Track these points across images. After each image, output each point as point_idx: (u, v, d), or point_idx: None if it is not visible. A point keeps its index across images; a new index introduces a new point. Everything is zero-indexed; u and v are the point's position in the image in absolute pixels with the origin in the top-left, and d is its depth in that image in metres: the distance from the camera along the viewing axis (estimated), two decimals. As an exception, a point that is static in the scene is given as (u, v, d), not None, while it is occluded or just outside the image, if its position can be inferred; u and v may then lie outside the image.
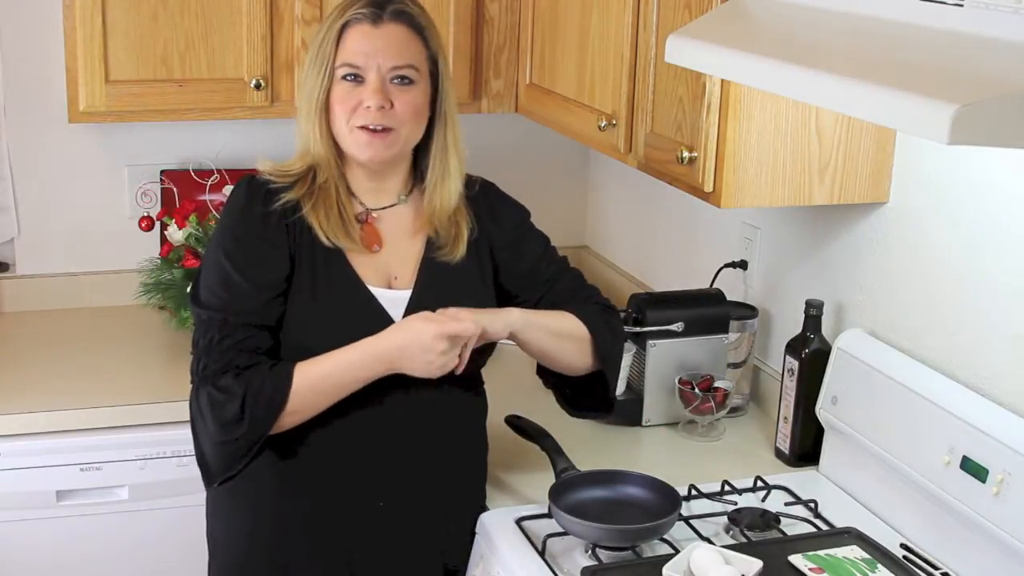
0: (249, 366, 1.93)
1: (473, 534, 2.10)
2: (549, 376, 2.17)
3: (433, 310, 1.97)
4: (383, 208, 2.06)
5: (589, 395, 2.16)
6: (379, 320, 1.98)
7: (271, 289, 1.95)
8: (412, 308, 2.00)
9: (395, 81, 1.96)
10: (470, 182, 2.13)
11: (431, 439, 2.03)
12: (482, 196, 2.14)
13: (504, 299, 2.11)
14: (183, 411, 2.02)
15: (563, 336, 2.08)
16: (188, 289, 2.04)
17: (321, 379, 1.92)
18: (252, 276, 1.95)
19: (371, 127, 1.95)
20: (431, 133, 2.04)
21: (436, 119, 2.04)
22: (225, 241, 1.98)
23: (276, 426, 1.93)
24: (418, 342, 1.90)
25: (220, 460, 1.95)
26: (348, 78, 1.96)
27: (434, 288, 2.03)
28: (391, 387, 1.96)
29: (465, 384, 2.05)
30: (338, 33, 1.97)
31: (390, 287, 2.02)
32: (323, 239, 1.97)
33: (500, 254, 2.13)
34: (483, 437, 2.16)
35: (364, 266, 2.01)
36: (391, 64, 1.96)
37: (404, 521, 2.03)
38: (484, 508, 2.14)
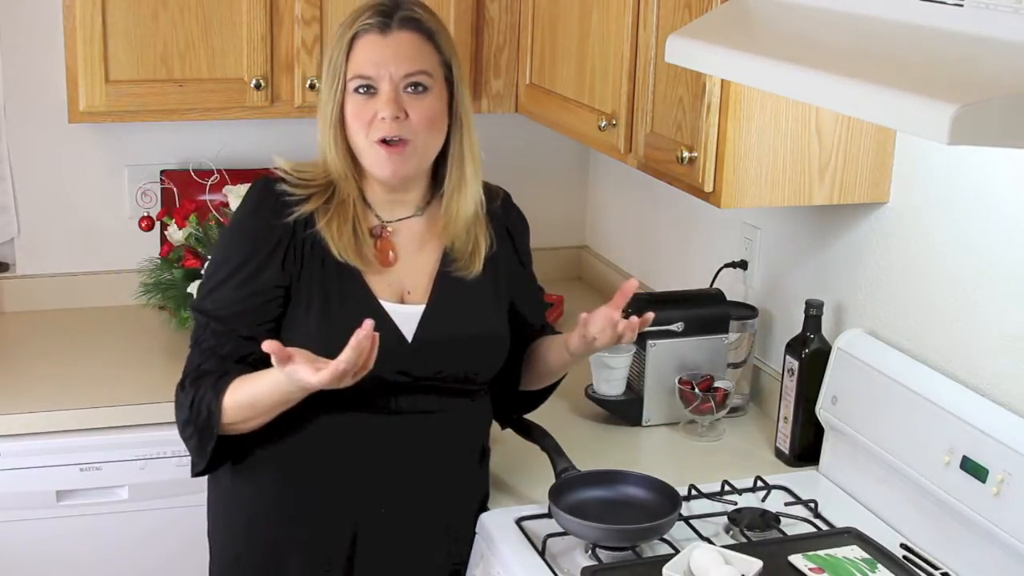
0: (213, 372, 1.94)
1: (474, 536, 2.10)
2: (502, 388, 2.18)
3: (447, 325, 1.97)
4: (399, 220, 2.03)
5: (522, 407, 2.24)
6: (391, 336, 1.94)
7: (256, 300, 1.94)
8: (425, 323, 1.98)
9: (408, 90, 1.93)
10: (492, 193, 2.10)
11: (434, 446, 2.02)
12: (503, 210, 2.12)
13: (512, 317, 2.12)
14: (183, 411, 2.03)
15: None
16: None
17: (249, 397, 1.91)
18: (238, 287, 1.94)
19: (387, 139, 1.92)
20: (448, 139, 2.01)
21: (452, 124, 2.01)
22: (226, 246, 1.99)
23: (227, 432, 1.94)
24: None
25: (192, 454, 2.00)
26: (360, 90, 1.93)
27: (448, 303, 2.01)
28: (392, 391, 1.96)
29: (472, 395, 2.05)
30: (348, 45, 1.94)
31: (403, 302, 2.00)
32: (335, 255, 1.96)
33: (515, 272, 2.13)
34: (485, 441, 2.15)
35: (377, 281, 1.98)
36: (403, 72, 1.93)
37: (406, 526, 2.02)
38: (485, 510, 2.14)
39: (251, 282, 1.94)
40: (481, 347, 2.02)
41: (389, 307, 1.97)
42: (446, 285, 2.02)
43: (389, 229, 2.02)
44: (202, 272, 2.30)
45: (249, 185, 2.04)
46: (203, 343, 1.97)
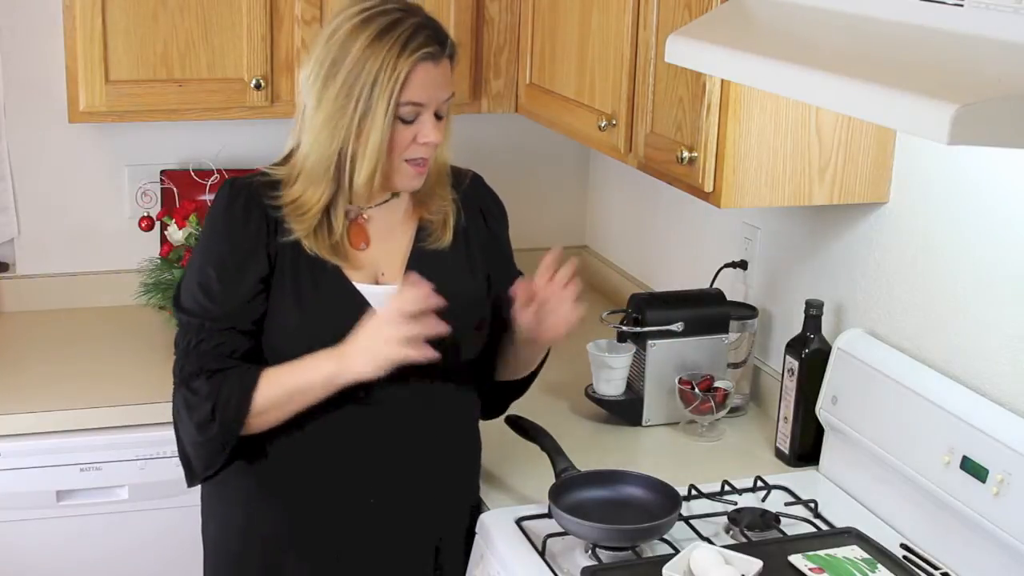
0: (221, 369, 1.94)
1: (466, 531, 2.11)
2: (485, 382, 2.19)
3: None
4: (376, 206, 2.04)
5: (503, 397, 2.23)
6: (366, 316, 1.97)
7: (248, 295, 1.95)
8: None
9: (435, 115, 1.96)
10: (460, 175, 2.13)
11: (422, 435, 2.03)
12: (472, 190, 2.14)
13: (494, 311, 2.11)
14: (182, 411, 2.02)
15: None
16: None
17: (283, 379, 1.93)
18: (229, 283, 1.95)
19: (417, 160, 1.95)
20: None
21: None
22: (206, 247, 1.99)
23: (247, 427, 1.94)
24: (378, 319, 1.90)
25: (200, 459, 1.98)
26: (407, 118, 1.92)
27: (424, 279, 2.02)
28: (382, 382, 1.95)
29: (457, 379, 2.05)
30: (407, 74, 1.89)
31: (377, 283, 2.02)
32: (307, 249, 1.96)
33: (490, 250, 2.13)
34: (475, 432, 2.16)
35: (350, 264, 2.00)
36: (443, 99, 1.95)
37: (395, 518, 2.03)
38: (478, 504, 2.14)
39: (240, 282, 1.95)
40: (459, 317, 2.02)
41: (363, 288, 1.99)
42: (420, 261, 2.03)
43: (365, 216, 2.03)
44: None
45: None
46: (201, 344, 1.96)
